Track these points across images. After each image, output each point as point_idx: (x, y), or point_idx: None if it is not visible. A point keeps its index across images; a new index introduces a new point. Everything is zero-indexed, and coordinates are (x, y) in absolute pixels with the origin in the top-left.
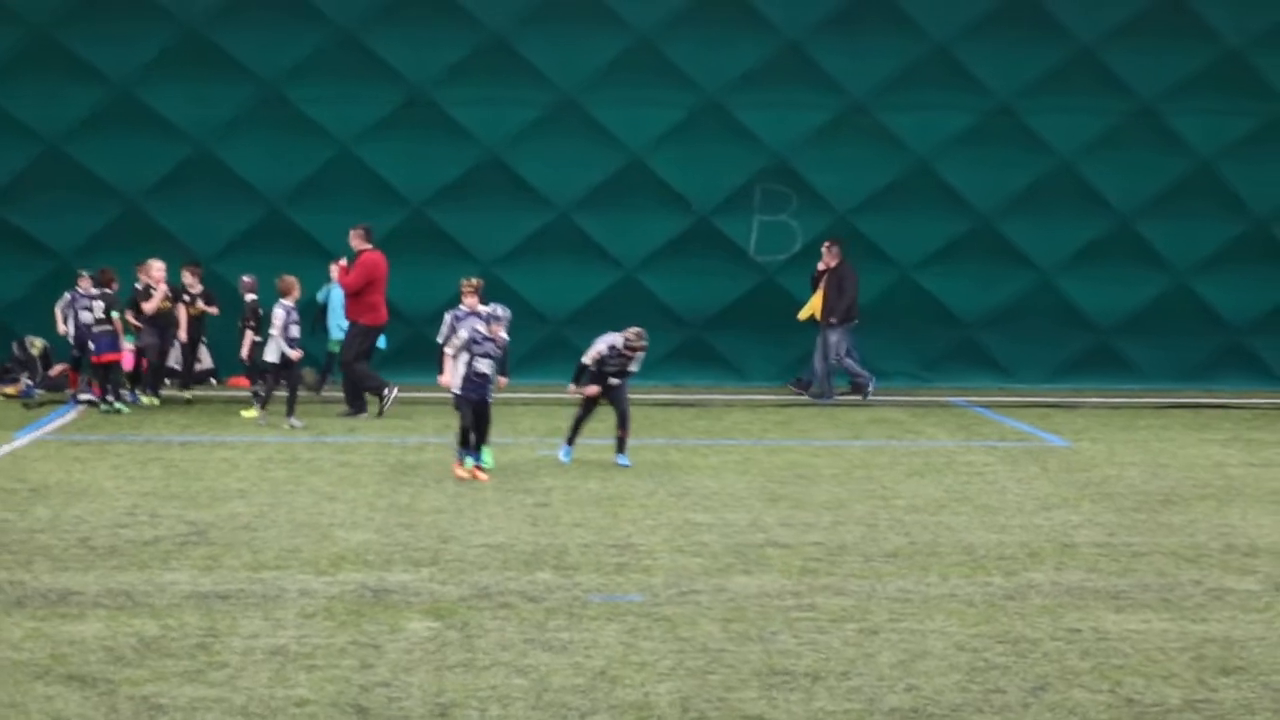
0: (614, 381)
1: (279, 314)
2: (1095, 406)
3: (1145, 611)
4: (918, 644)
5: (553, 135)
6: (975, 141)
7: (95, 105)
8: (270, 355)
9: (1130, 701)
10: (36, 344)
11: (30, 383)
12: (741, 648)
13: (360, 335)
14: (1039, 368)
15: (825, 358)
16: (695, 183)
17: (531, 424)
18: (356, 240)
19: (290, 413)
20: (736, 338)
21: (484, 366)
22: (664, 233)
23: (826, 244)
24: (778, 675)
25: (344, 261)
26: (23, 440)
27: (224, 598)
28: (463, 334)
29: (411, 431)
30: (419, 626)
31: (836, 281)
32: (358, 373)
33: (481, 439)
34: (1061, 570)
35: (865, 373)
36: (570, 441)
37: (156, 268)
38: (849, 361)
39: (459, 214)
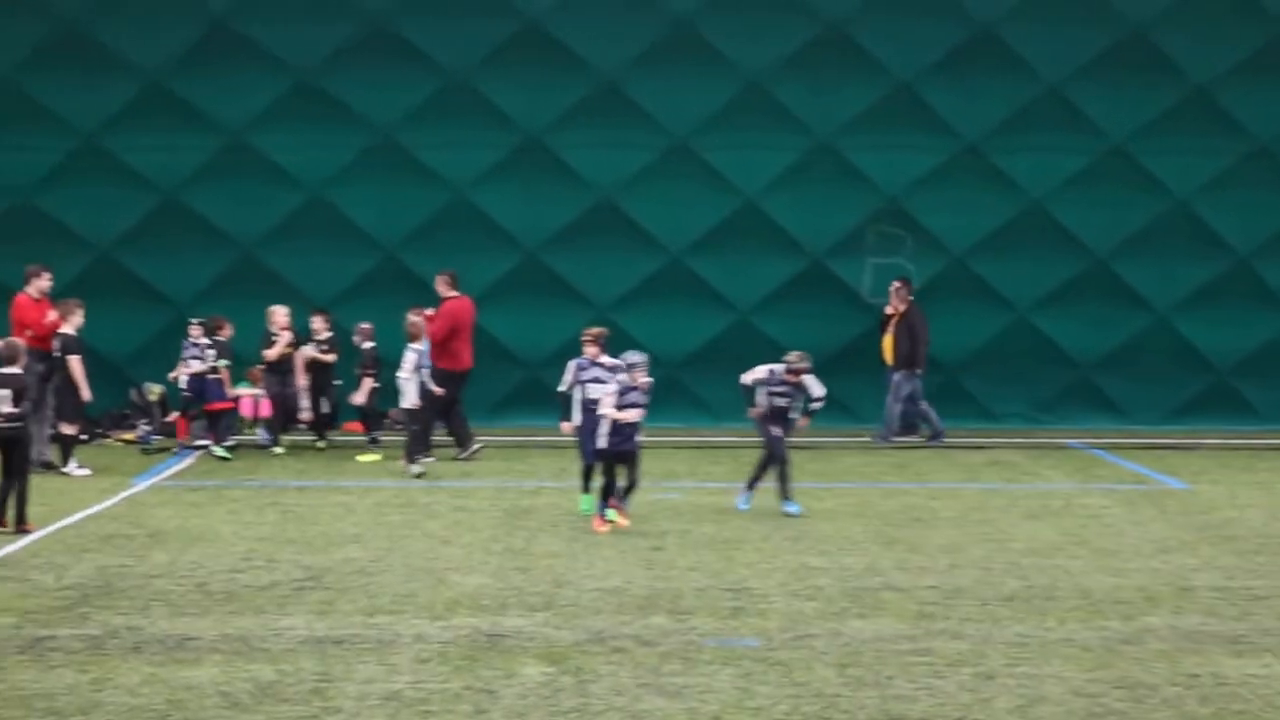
0: (776, 431)
1: (410, 358)
2: (1214, 448)
3: (1266, 656)
4: (1034, 689)
5: (665, 179)
6: (1089, 182)
7: (210, 153)
8: (409, 400)
9: None
10: (154, 390)
11: (148, 429)
12: (857, 693)
13: (439, 381)
14: (1156, 409)
15: (896, 400)
16: (808, 225)
17: (646, 467)
18: (442, 286)
19: (412, 459)
20: (851, 380)
21: (633, 415)
22: (777, 275)
23: (895, 285)
24: None
25: (429, 311)
26: (141, 486)
27: (339, 643)
28: (610, 387)
29: (527, 476)
30: (533, 672)
31: (907, 327)
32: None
33: (632, 486)
34: (1179, 614)
35: (896, 421)
36: (750, 486)
37: (281, 314)
38: (925, 406)
39: (573, 257)
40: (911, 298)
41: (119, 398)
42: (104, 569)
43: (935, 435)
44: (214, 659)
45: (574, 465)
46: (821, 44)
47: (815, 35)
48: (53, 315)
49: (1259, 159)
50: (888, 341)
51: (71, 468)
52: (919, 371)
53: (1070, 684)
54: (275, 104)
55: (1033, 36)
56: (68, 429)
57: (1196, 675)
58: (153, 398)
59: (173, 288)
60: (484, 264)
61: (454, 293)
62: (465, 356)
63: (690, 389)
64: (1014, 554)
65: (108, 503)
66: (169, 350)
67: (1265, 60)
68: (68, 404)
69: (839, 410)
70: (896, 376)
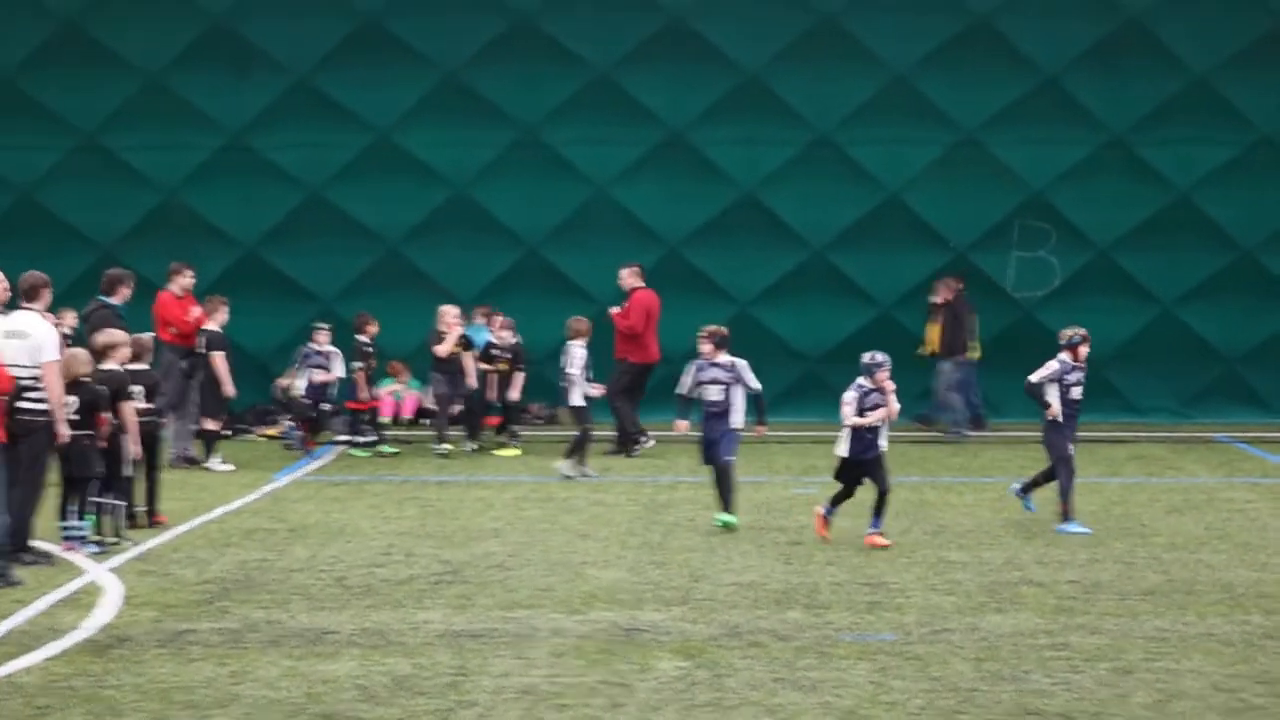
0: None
1: (579, 355)
2: None
3: None
4: (1173, 684)
5: (807, 174)
6: (1236, 173)
7: (357, 151)
8: (575, 399)
9: None
10: (297, 386)
11: (291, 424)
12: (994, 687)
13: (629, 373)
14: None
15: (950, 389)
16: (952, 219)
17: (787, 463)
18: (631, 278)
19: (583, 460)
20: (993, 374)
21: (874, 418)
22: (920, 270)
23: (946, 280)
24: (1030, 715)
25: (615, 309)
26: (282, 481)
27: (476, 636)
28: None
29: (664, 471)
30: (669, 666)
31: (953, 316)
32: (620, 411)
33: (883, 497)
34: None
35: (963, 410)
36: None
37: (451, 314)
38: (954, 396)
39: (714, 253)
40: (960, 287)
41: (262, 394)
42: (244, 563)
43: (956, 426)
44: (351, 653)
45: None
46: (965, 39)
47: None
48: (196, 312)
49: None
50: (934, 331)
51: (214, 463)
52: (963, 359)
53: (1209, 679)
54: (422, 101)
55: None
56: (211, 425)
57: None
58: (295, 394)
59: (316, 284)
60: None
61: (641, 283)
62: (654, 349)
63: (832, 384)
64: (1155, 548)
65: (249, 498)
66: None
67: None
68: (211, 400)
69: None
70: (945, 365)
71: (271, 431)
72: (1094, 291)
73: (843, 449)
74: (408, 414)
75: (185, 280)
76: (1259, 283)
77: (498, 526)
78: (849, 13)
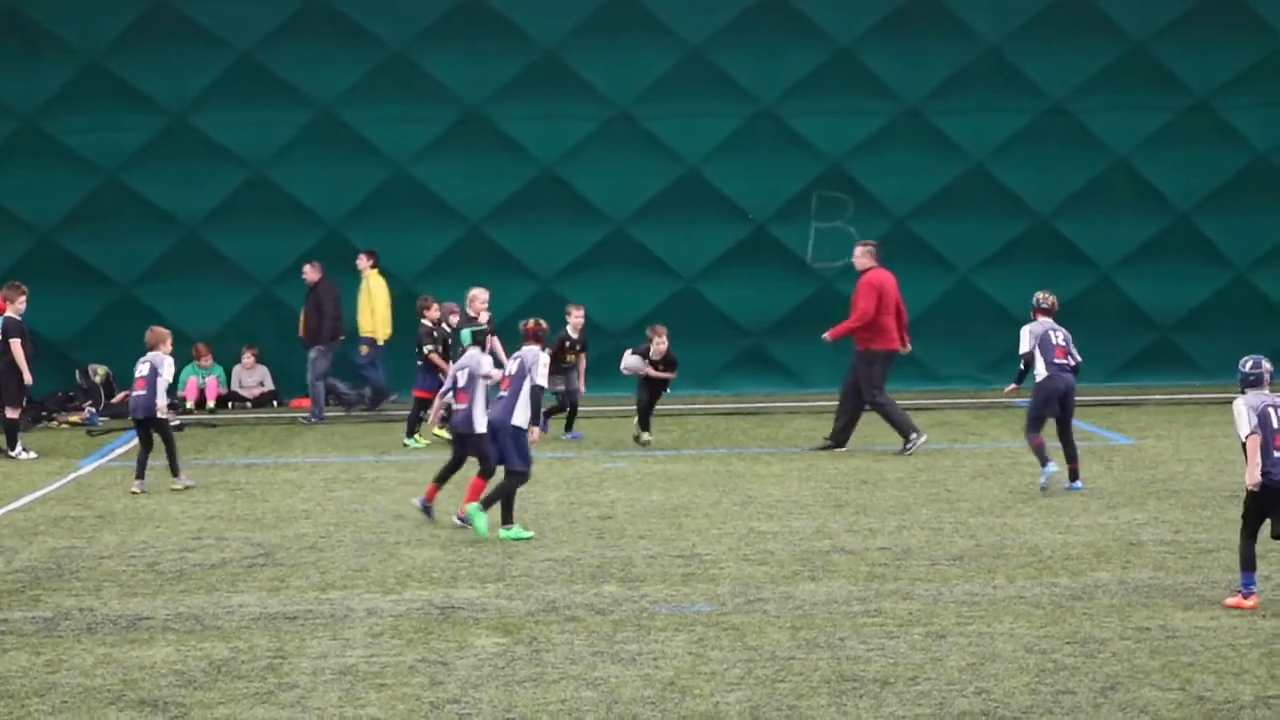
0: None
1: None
2: (1159, 404)
3: (1214, 608)
4: (986, 647)
5: (608, 149)
6: (1029, 142)
7: (151, 133)
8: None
9: (1201, 699)
10: (99, 371)
11: (94, 410)
12: (810, 655)
13: (878, 363)
14: (1101, 366)
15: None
16: (752, 192)
17: (595, 437)
18: (865, 258)
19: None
20: (796, 345)
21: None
22: (722, 242)
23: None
24: (847, 682)
25: (827, 334)
26: (88, 468)
27: (292, 619)
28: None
29: None
30: (487, 642)
31: (315, 301)
32: (884, 408)
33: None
34: (1128, 569)
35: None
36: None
37: (481, 298)
38: (319, 386)
39: (516, 230)
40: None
41: (64, 380)
42: (54, 551)
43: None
44: (167, 638)
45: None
46: (761, 11)
47: (756, 1)
48: None
49: (1197, 113)
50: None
51: (17, 451)
52: (326, 346)
53: (1021, 640)
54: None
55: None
56: (11, 413)
57: (1146, 629)
58: (97, 379)
59: (116, 269)
60: (428, 238)
61: (874, 263)
62: (894, 334)
63: None
64: (962, 513)
65: (55, 485)
66: (111, 332)
67: (1203, 17)
68: (10, 388)
69: (784, 375)
70: (312, 353)
71: (74, 418)
72: (892, 260)
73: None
74: (211, 399)
75: None
76: (1054, 249)
77: (308, 508)
78: None
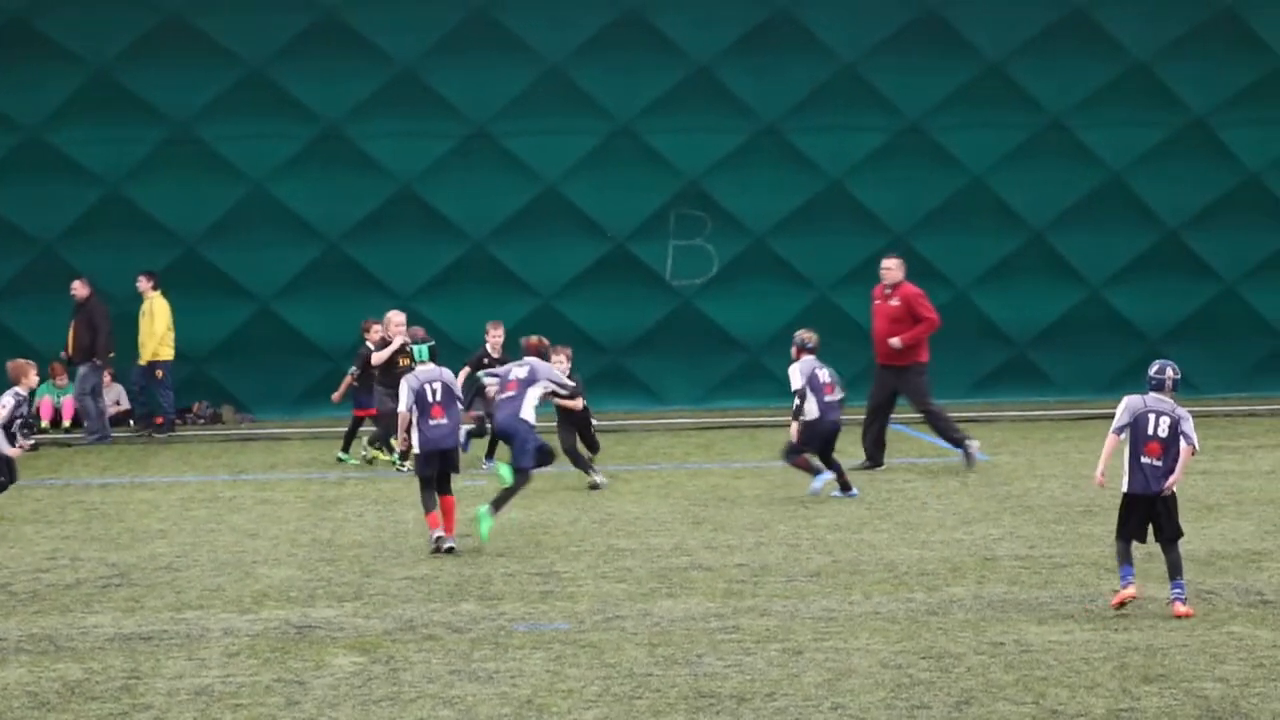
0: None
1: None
2: (1013, 420)
3: (1067, 622)
4: (842, 662)
5: (466, 166)
6: (884, 160)
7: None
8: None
9: (1054, 713)
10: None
11: None
12: (668, 672)
13: (925, 373)
14: (957, 382)
15: (84, 395)
16: (610, 210)
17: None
18: (900, 270)
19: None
20: (655, 362)
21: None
22: (581, 260)
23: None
24: (704, 698)
25: (896, 341)
26: None
27: (147, 639)
28: None
29: (331, 467)
30: (344, 662)
31: (87, 318)
32: (935, 415)
33: None
34: (983, 584)
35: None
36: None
37: (397, 320)
38: (90, 401)
39: (374, 248)
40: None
41: None
42: None
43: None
44: (20, 659)
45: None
46: (619, 28)
47: (615, 18)
48: None
49: (1054, 132)
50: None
51: None
52: (100, 363)
53: (877, 656)
54: (72, 99)
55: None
56: None
57: (1001, 643)
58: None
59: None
60: (285, 256)
61: (904, 276)
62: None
63: None
64: (819, 530)
65: None
66: None
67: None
68: None
69: (642, 392)
70: (83, 370)
71: None
72: (751, 278)
73: None
74: (67, 418)
75: None
76: (914, 266)
77: (164, 528)
78: (505, 2)
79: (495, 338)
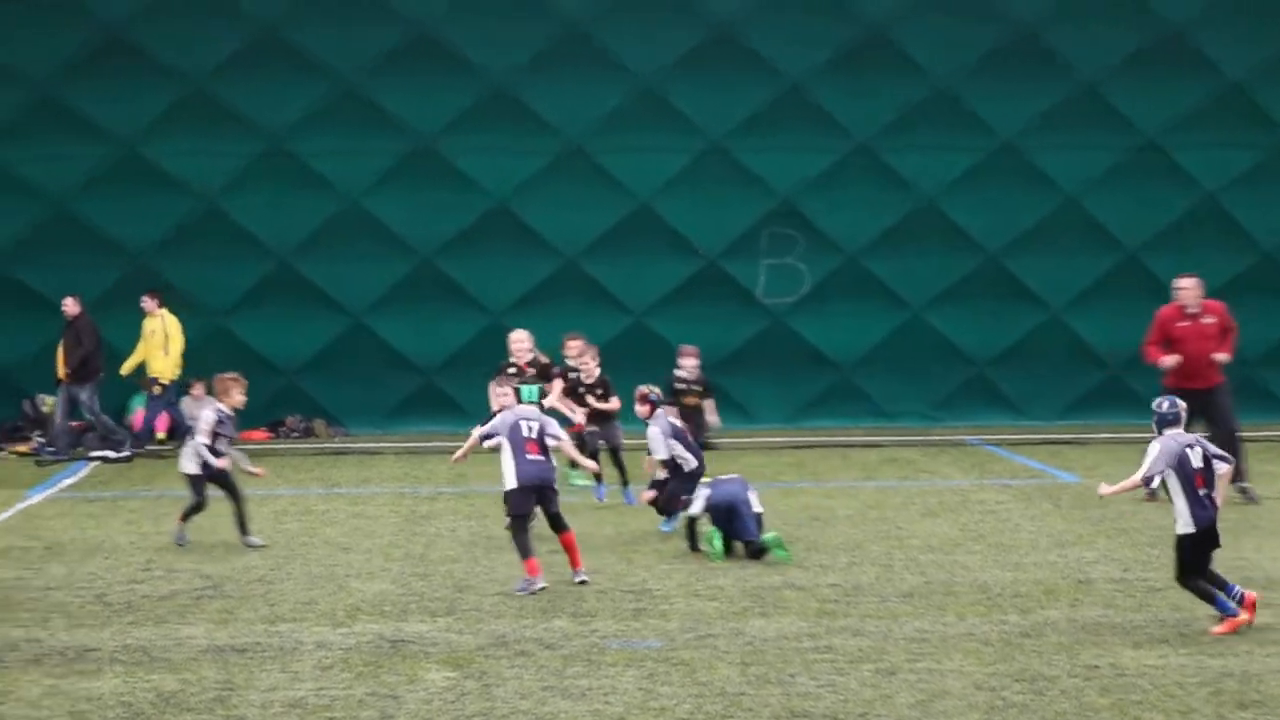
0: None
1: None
2: (1106, 442)
3: (1163, 647)
4: (935, 684)
5: (560, 183)
6: (980, 180)
7: (100, 162)
8: None
9: None
10: (48, 402)
11: (43, 440)
12: (760, 691)
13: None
14: (1050, 404)
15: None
16: (702, 227)
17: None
18: (1201, 288)
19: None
20: (747, 380)
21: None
22: (673, 278)
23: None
24: (797, 718)
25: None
26: (36, 498)
27: (241, 651)
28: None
29: (423, 481)
30: (437, 676)
31: (75, 335)
32: (1239, 440)
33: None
34: (1077, 607)
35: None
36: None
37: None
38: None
39: (466, 263)
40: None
41: (12, 410)
42: (1, 582)
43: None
44: (115, 670)
45: (471, 469)
46: (713, 46)
47: (707, 36)
48: None
49: (1146, 153)
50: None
51: None
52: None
53: (971, 678)
54: (168, 113)
55: (923, 36)
56: None
57: (1095, 667)
58: (46, 410)
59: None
60: (377, 271)
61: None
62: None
63: None
64: (912, 550)
65: (3, 516)
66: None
67: (1151, 57)
68: None
69: (735, 410)
70: (81, 392)
71: (21, 448)
72: (843, 297)
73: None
74: (161, 430)
75: None
76: (1006, 286)
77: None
78: (597, 20)
79: (574, 349)
